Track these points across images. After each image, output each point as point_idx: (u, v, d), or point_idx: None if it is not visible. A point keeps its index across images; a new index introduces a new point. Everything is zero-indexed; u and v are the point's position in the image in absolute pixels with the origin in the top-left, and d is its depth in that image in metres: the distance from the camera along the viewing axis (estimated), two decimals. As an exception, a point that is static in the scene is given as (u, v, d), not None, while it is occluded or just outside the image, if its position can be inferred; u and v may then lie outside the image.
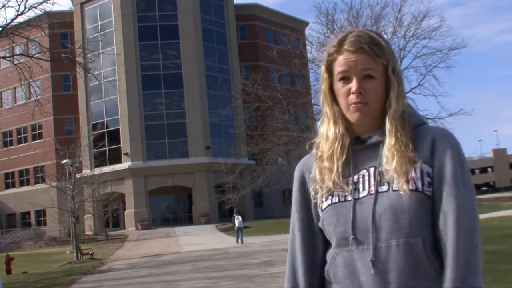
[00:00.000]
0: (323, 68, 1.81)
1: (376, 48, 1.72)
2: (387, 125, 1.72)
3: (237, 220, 28.87)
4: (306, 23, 49.23)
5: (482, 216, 28.52)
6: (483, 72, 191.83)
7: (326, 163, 1.78)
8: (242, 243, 27.90)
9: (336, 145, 1.77)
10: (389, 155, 1.70)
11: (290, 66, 25.76)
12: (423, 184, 1.66)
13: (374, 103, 1.72)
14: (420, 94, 22.41)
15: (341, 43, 1.75)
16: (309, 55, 24.10)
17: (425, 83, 22.20)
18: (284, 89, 25.37)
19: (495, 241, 15.89)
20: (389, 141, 1.71)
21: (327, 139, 1.80)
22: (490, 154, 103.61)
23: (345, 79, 1.73)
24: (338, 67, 1.74)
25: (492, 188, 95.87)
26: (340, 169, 1.75)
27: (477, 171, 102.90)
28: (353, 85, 1.70)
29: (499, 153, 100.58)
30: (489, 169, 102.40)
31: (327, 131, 1.81)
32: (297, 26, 51.15)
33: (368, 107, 1.71)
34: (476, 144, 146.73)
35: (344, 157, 1.77)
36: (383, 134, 1.74)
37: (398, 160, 1.67)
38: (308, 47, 24.04)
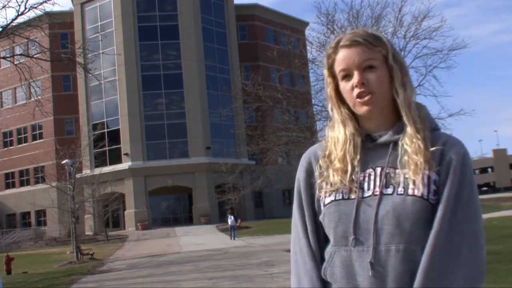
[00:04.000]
0: (325, 72, 1.81)
1: (371, 39, 1.72)
2: (403, 114, 1.71)
3: (230, 220, 32.87)
4: (306, 23, 49.23)
5: (482, 217, 28.51)
6: (482, 72, 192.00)
7: (338, 164, 1.76)
8: (234, 239, 31.42)
9: (347, 146, 1.76)
10: (414, 146, 1.67)
11: (290, 66, 25.77)
12: (429, 192, 1.64)
13: (380, 93, 1.70)
14: (421, 94, 22.36)
15: (337, 43, 1.76)
16: (309, 55, 24.06)
17: (425, 83, 22.19)
18: (284, 89, 25.36)
19: (495, 241, 15.88)
20: (412, 130, 1.69)
21: (337, 142, 1.79)
22: (490, 154, 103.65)
23: (348, 76, 1.73)
24: (338, 67, 1.75)
25: (492, 188, 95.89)
26: (356, 168, 1.73)
27: (477, 171, 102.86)
28: (355, 78, 1.70)
29: (499, 153, 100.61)
30: (489, 169, 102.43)
31: (337, 134, 1.80)
32: (297, 26, 51.20)
33: (375, 97, 1.70)
34: (476, 144, 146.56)
35: (358, 157, 1.75)
36: (394, 134, 1.73)
37: (425, 152, 1.65)
38: (308, 47, 24.00)
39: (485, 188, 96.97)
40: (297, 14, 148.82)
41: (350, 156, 1.75)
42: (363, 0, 29.98)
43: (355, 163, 1.74)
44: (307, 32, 31.83)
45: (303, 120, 26.21)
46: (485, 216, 29.27)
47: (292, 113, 25.32)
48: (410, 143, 1.68)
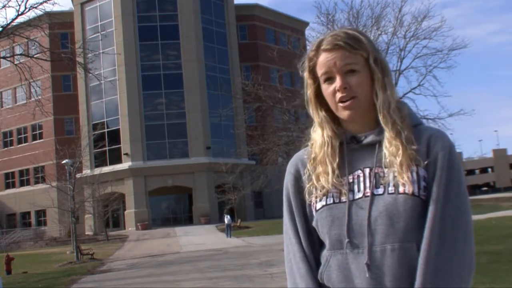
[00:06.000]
0: (306, 74, 1.81)
1: (352, 42, 1.72)
2: (380, 118, 1.71)
3: (226, 219, 35.09)
4: (307, 23, 49.27)
5: (482, 217, 28.54)
6: (482, 72, 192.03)
7: (320, 168, 1.77)
8: (230, 237, 33.55)
9: (326, 149, 1.77)
10: (392, 149, 1.68)
11: (290, 66, 25.76)
12: (419, 188, 1.65)
13: (362, 96, 1.71)
14: (421, 94, 22.41)
15: (318, 46, 1.76)
16: (309, 55, 24.08)
17: (425, 83, 22.20)
18: (284, 89, 25.37)
19: (495, 241, 15.88)
20: (390, 134, 1.69)
21: (317, 144, 1.81)
22: (490, 154, 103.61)
23: (329, 79, 1.73)
24: (319, 70, 1.75)
25: (492, 188, 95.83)
26: (336, 171, 1.74)
27: (477, 171, 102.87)
28: (337, 82, 1.70)
29: (499, 153, 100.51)
30: (489, 169, 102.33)
31: (317, 136, 1.81)
32: (297, 26, 51.21)
33: (357, 101, 1.70)
34: (476, 144, 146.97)
35: (337, 159, 1.76)
36: (379, 133, 1.73)
37: (403, 153, 1.66)
38: (308, 47, 24.03)
39: (485, 188, 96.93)
40: (297, 14, 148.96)
41: (329, 159, 1.76)
42: (363, 0, 30.00)
43: (335, 165, 1.75)
44: (307, 32, 31.97)
45: (303, 120, 26.21)
46: (485, 216, 29.28)
47: (292, 113, 25.33)
48: (389, 145, 1.69)
